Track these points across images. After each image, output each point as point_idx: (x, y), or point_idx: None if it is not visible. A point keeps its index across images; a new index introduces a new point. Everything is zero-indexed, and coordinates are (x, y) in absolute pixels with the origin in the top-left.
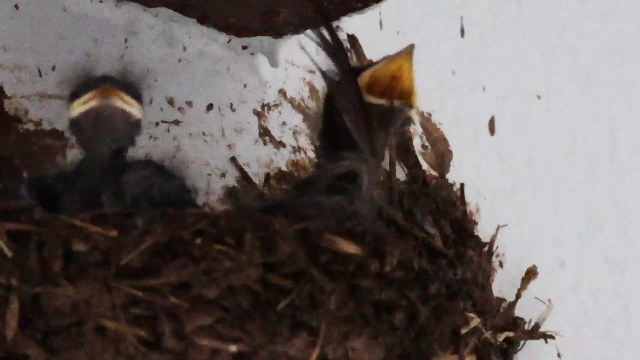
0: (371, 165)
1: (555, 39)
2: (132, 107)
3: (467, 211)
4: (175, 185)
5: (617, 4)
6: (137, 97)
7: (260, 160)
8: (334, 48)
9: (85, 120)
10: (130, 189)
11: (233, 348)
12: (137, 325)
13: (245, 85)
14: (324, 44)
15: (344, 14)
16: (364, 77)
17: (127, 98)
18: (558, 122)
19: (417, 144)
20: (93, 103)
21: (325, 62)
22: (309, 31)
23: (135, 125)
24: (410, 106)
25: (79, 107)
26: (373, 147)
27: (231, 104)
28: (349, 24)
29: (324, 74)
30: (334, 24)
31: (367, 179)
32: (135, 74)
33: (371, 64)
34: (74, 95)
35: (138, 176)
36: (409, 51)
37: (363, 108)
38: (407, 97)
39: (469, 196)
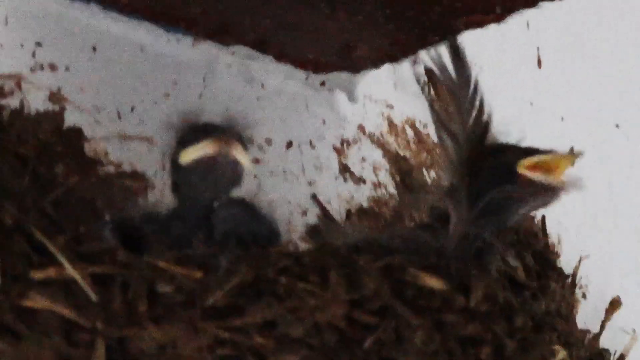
0: (461, 204)
1: (632, 67)
2: (244, 158)
3: (549, 243)
4: (264, 224)
5: None
6: (245, 147)
7: (341, 197)
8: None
9: (197, 167)
10: (220, 225)
11: None
12: None
13: (324, 122)
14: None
15: (421, 47)
16: (529, 161)
17: (241, 149)
18: (637, 151)
19: None
20: (209, 151)
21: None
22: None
23: (241, 175)
24: (564, 186)
25: (192, 154)
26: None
27: (310, 141)
28: (425, 58)
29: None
30: (411, 57)
31: (456, 217)
32: (240, 123)
33: (534, 151)
34: (183, 143)
35: (228, 213)
36: (574, 156)
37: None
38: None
39: (550, 228)
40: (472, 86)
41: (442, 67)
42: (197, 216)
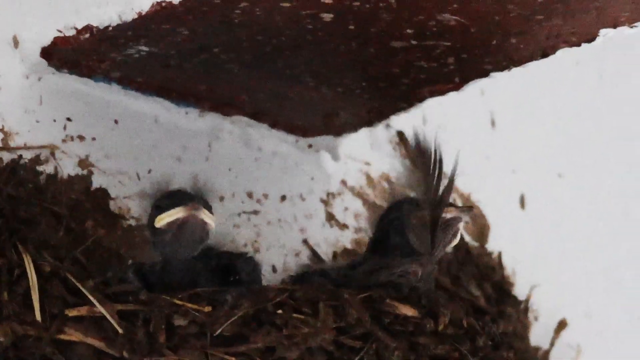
0: (426, 264)
1: (571, 124)
2: (209, 219)
3: (505, 274)
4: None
5: (625, 94)
6: (210, 210)
7: (328, 241)
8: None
9: (170, 229)
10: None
11: None
12: None
13: (312, 178)
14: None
15: (393, 113)
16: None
17: (207, 212)
18: (578, 195)
19: None
20: (180, 215)
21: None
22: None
23: (208, 233)
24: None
25: (166, 219)
26: (432, 253)
27: (301, 194)
28: (396, 121)
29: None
30: (384, 122)
31: (422, 271)
32: (206, 190)
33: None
34: (157, 208)
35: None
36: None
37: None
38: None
39: (506, 262)
40: (432, 161)
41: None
42: (180, 268)
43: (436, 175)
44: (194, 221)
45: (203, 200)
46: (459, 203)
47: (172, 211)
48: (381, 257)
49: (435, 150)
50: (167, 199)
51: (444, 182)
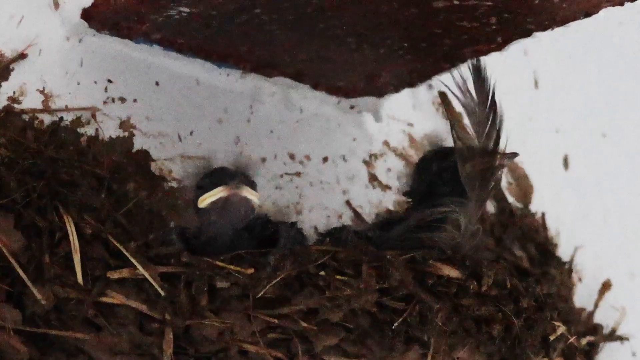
0: (471, 210)
1: (616, 84)
2: (252, 196)
3: (549, 236)
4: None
5: None
6: (254, 186)
7: (370, 202)
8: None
9: (213, 208)
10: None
11: None
12: (274, 348)
13: (354, 139)
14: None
15: (435, 73)
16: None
17: (249, 189)
18: (622, 155)
19: (502, 180)
20: (222, 194)
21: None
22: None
23: (252, 210)
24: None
25: (208, 199)
26: (481, 198)
27: (343, 156)
28: (438, 83)
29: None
30: (426, 82)
31: (466, 221)
32: (248, 165)
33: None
34: (200, 189)
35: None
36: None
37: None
38: None
39: (549, 223)
40: (489, 101)
41: (464, 87)
42: (224, 239)
43: (491, 120)
44: (236, 199)
45: (245, 177)
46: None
47: (214, 191)
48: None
49: (492, 92)
50: (208, 178)
51: (497, 128)
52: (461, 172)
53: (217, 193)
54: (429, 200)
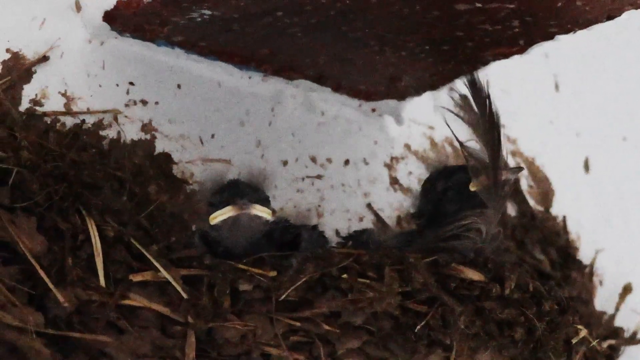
0: (490, 217)
1: (637, 88)
2: (262, 212)
3: (570, 239)
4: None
5: None
6: (266, 201)
7: (392, 205)
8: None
9: (224, 226)
10: (304, 242)
11: None
12: (296, 350)
13: (375, 142)
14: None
15: (456, 76)
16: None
17: (259, 207)
18: None
19: (523, 184)
20: (231, 214)
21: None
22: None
23: (265, 224)
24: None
25: (218, 217)
26: (500, 206)
27: (365, 159)
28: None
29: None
30: (448, 85)
31: (486, 227)
32: (261, 178)
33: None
34: (212, 205)
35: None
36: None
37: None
38: None
39: (570, 226)
40: (488, 110)
41: (463, 101)
42: (244, 245)
43: (494, 135)
44: (245, 218)
45: (256, 191)
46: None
47: (223, 210)
48: (437, 228)
49: (490, 102)
50: (219, 195)
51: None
52: (475, 186)
53: (227, 212)
54: (436, 220)
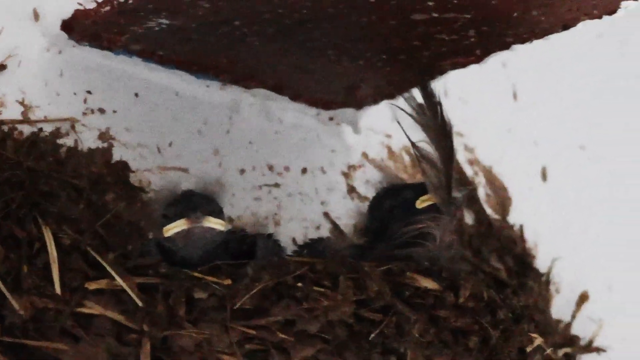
0: (445, 223)
1: (594, 97)
2: (215, 224)
3: (527, 247)
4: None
5: None
6: (220, 212)
7: (349, 214)
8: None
9: (177, 239)
10: (260, 251)
11: None
12: (251, 359)
13: (333, 151)
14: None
15: (414, 85)
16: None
17: (213, 219)
18: (600, 167)
19: (481, 192)
20: (184, 227)
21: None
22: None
23: (220, 234)
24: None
25: (171, 230)
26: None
27: (322, 167)
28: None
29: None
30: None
31: (440, 233)
32: (215, 187)
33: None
34: (165, 217)
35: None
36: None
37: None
38: None
39: (527, 235)
40: (439, 118)
41: (416, 105)
42: (200, 255)
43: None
44: (198, 231)
45: (210, 203)
46: (481, 176)
47: (176, 223)
48: (384, 244)
49: (440, 105)
50: (172, 207)
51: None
52: (421, 203)
53: (179, 225)
54: (383, 237)
